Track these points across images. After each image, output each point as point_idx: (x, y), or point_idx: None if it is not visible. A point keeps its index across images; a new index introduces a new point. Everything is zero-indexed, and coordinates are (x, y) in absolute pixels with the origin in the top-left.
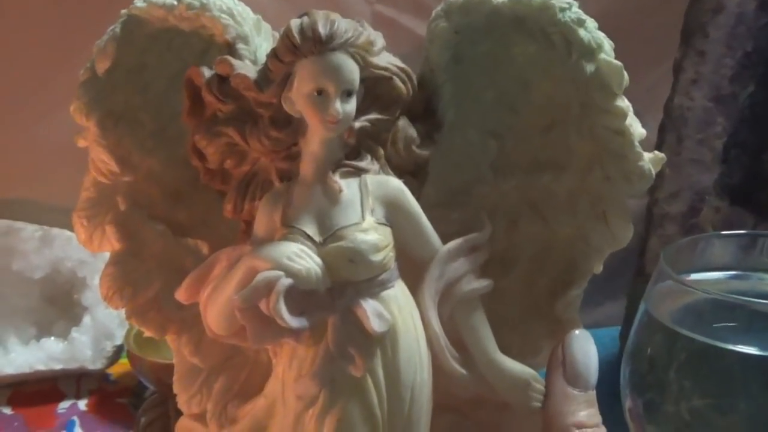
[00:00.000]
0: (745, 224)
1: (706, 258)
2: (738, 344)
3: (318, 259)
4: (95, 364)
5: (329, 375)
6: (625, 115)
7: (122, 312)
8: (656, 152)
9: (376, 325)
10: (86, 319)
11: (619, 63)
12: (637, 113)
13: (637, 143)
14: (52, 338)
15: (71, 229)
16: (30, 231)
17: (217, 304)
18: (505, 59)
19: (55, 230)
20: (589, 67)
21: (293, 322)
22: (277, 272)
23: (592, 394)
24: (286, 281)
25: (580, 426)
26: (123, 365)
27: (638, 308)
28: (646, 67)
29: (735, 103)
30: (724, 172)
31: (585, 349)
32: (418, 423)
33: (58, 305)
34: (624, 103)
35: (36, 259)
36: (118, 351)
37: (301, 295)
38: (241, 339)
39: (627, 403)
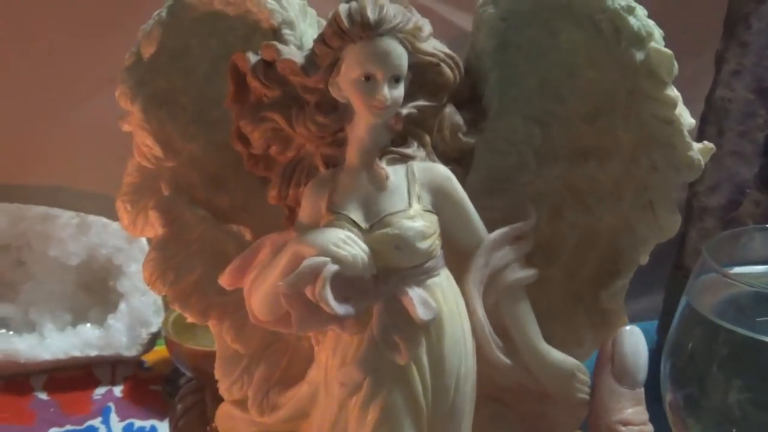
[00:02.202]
0: None
1: (747, 251)
2: None
3: (364, 246)
4: (130, 351)
5: (374, 363)
6: (674, 104)
7: (157, 299)
8: (705, 142)
9: (422, 313)
10: (122, 306)
11: (669, 51)
12: None
13: (686, 133)
14: (88, 325)
15: (108, 216)
16: (67, 218)
17: (261, 290)
18: (552, 46)
19: (92, 217)
20: (639, 56)
21: (339, 308)
22: (323, 258)
23: (640, 391)
24: (333, 267)
25: (626, 423)
26: (158, 353)
27: (676, 301)
28: (687, 57)
29: None
30: (765, 165)
31: (635, 345)
32: (462, 412)
33: (94, 292)
34: (673, 92)
35: (72, 246)
36: (153, 338)
37: (347, 282)
38: (284, 325)
39: (667, 396)
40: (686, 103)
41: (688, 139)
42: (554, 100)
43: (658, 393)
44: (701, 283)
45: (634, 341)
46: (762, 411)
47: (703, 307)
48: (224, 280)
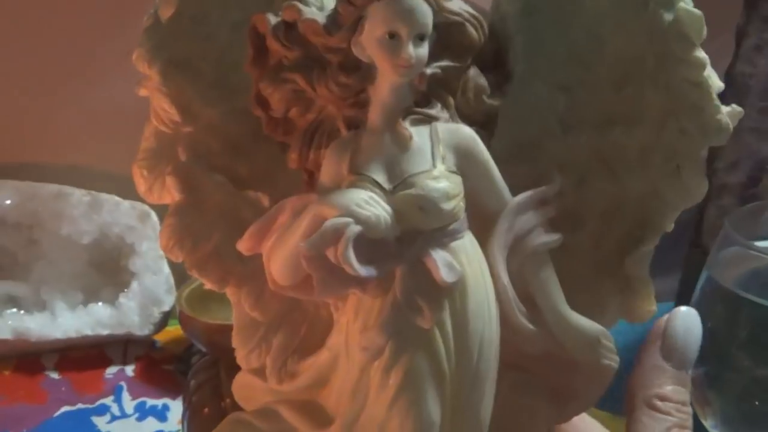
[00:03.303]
0: None
1: None
2: None
3: (387, 207)
4: (142, 330)
5: (396, 326)
6: (703, 66)
7: (170, 278)
8: (734, 106)
9: (445, 275)
10: (134, 285)
11: (698, 12)
12: None
13: (715, 95)
14: (100, 304)
15: (120, 195)
16: (79, 196)
17: (281, 253)
18: (578, 11)
19: (104, 195)
20: (668, 17)
21: (362, 270)
22: (346, 219)
23: (686, 376)
24: (356, 228)
25: (664, 398)
26: (170, 332)
27: (694, 279)
28: (708, 34)
29: None
30: None
31: (688, 326)
32: (485, 378)
33: (106, 271)
34: (702, 54)
35: (84, 225)
36: (165, 317)
37: (369, 244)
38: (304, 291)
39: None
40: None
41: (717, 102)
42: (581, 67)
43: None
44: (723, 257)
45: (689, 322)
46: None
47: (725, 281)
48: (243, 245)
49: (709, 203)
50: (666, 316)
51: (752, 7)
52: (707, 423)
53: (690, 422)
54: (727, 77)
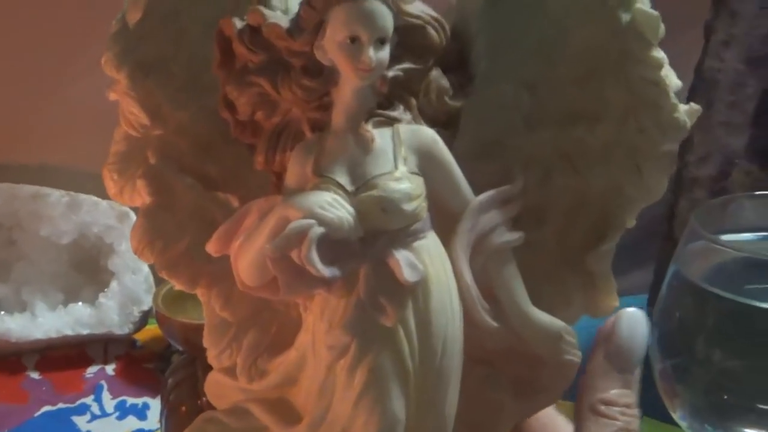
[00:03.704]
0: None
1: (736, 219)
2: None
3: (350, 208)
4: (122, 330)
5: (360, 325)
6: (660, 66)
7: (149, 277)
8: (692, 104)
9: (408, 275)
10: (113, 285)
11: (655, 13)
12: None
13: (672, 94)
14: (80, 304)
15: (98, 195)
16: (57, 196)
17: (248, 255)
18: (540, 6)
19: (83, 196)
20: (625, 17)
21: (325, 271)
22: (309, 221)
23: (632, 377)
24: (319, 230)
25: (608, 403)
26: (150, 331)
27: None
28: (677, 31)
29: (767, 65)
30: (755, 135)
31: (633, 328)
32: (450, 375)
33: (86, 271)
34: (659, 53)
35: (63, 225)
36: (145, 316)
37: (333, 245)
38: (272, 291)
39: (657, 364)
40: (677, 77)
41: (674, 100)
42: (544, 63)
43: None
44: (690, 251)
45: (633, 324)
46: (751, 377)
47: (691, 274)
48: (211, 247)
49: (681, 197)
50: (611, 318)
51: (720, 2)
52: (676, 415)
53: (636, 424)
54: (697, 73)
